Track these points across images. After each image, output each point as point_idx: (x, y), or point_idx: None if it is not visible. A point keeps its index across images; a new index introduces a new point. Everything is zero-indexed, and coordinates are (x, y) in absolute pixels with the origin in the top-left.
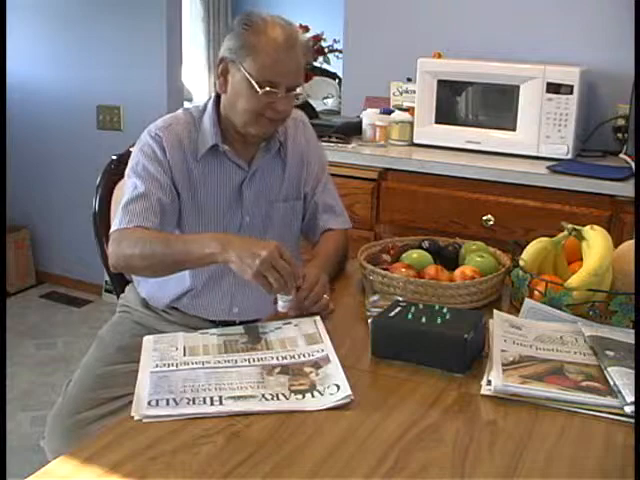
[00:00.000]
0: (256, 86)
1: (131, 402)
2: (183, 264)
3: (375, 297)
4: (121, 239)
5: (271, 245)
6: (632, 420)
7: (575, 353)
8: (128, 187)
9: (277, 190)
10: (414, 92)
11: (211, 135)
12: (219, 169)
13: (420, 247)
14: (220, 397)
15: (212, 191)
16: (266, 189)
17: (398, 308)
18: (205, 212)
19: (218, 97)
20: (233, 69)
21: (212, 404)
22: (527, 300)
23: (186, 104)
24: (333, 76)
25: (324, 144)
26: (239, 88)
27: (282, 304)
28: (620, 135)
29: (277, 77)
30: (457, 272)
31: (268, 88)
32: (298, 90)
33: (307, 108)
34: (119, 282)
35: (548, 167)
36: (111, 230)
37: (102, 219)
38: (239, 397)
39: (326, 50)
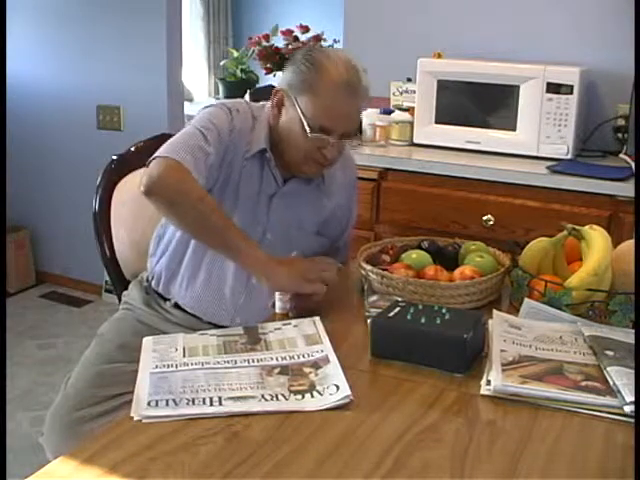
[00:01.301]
0: (307, 128)
1: (130, 401)
2: (221, 252)
3: (375, 297)
4: (183, 177)
5: (302, 259)
6: (632, 420)
7: (575, 353)
8: (191, 131)
9: (309, 221)
10: (414, 92)
11: (263, 139)
12: (258, 174)
13: (420, 247)
14: (220, 398)
15: (245, 193)
16: (297, 215)
17: (398, 308)
18: (230, 212)
19: None
20: (288, 103)
21: (212, 405)
22: (527, 300)
23: (186, 104)
24: None
25: None
26: (291, 125)
27: (280, 305)
28: (620, 135)
29: (331, 123)
30: (457, 272)
31: (319, 134)
32: (351, 138)
33: None
34: (119, 282)
35: (548, 167)
36: (163, 153)
37: (102, 219)
38: (239, 397)
39: None
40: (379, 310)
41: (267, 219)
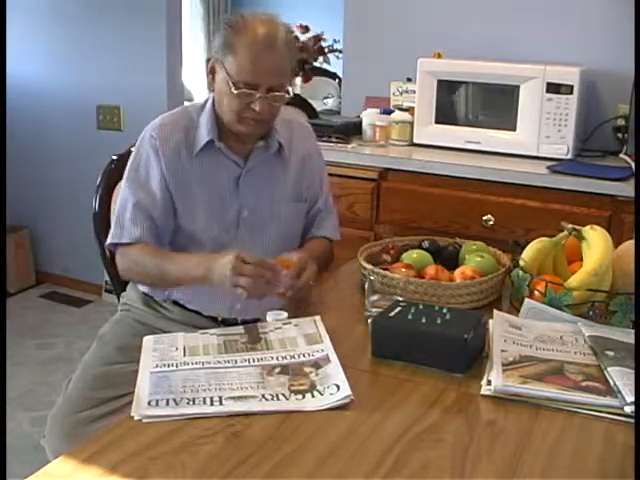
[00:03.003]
0: (232, 87)
1: (131, 402)
2: (176, 284)
3: (376, 297)
4: (121, 255)
5: (229, 256)
6: (632, 420)
7: (575, 353)
8: (121, 195)
9: (280, 190)
10: (414, 92)
11: (207, 131)
12: (215, 165)
13: (420, 247)
14: (220, 397)
15: (208, 186)
16: (267, 188)
17: (398, 308)
18: (202, 208)
19: None
20: (218, 68)
21: (212, 404)
22: (527, 300)
23: (186, 104)
24: (333, 76)
25: (324, 144)
26: (222, 87)
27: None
28: (620, 135)
29: (254, 78)
30: (457, 272)
31: (243, 89)
32: (286, 89)
33: (307, 108)
34: (119, 282)
35: (548, 167)
36: (107, 241)
37: (102, 219)
38: (239, 397)
39: (326, 50)
40: (380, 310)
41: (238, 200)
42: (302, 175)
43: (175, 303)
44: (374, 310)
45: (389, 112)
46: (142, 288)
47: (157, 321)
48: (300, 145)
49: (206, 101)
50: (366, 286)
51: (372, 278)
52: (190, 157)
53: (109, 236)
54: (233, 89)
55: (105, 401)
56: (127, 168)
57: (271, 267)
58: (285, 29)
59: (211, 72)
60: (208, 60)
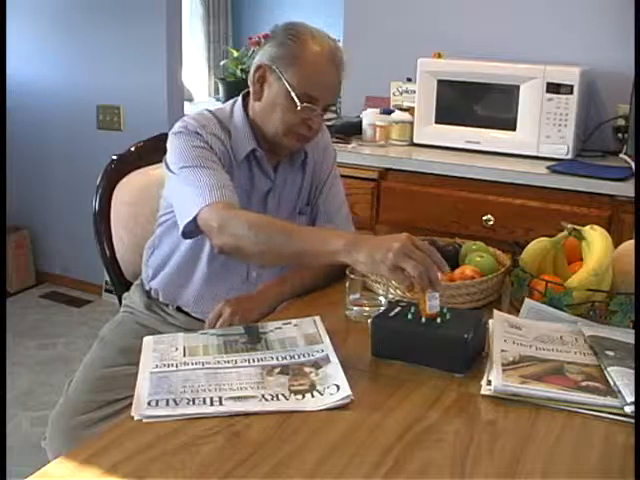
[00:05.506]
0: (296, 99)
1: (132, 404)
2: (302, 258)
3: (356, 295)
4: (226, 217)
5: (402, 236)
6: (632, 420)
7: (575, 353)
8: (192, 179)
9: (295, 201)
10: (414, 92)
11: (248, 140)
12: (249, 176)
13: None
14: (220, 397)
15: (244, 196)
16: (287, 200)
17: (398, 308)
18: None
19: (243, 100)
20: (272, 78)
21: (212, 404)
22: (527, 300)
23: (186, 104)
24: None
25: None
26: (276, 99)
27: (433, 303)
28: (620, 135)
29: (318, 91)
30: (457, 272)
31: (307, 104)
32: (332, 109)
33: None
34: (119, 282)
35: (548, 167)
36: (201, 207)
37: (102, 219)
38: (239, 397)
39: None
40: (361, 308)
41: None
42: (313, 178)
43: (179, 310)
44: (355, 309)
45: (389, 112)
46: (147, 288)
47: (160, 325)
48: (317, 147)
49: (232, 107)
50: (347, 284)
51: (352, 277)
52: (233, 164)
53: (183, 218)
54: (297, 102)
55: (106, 403)
56: (179, 158)
57: (438, 262)
58: (342, 49)
59: (260, 81)
60: (258, 68)
